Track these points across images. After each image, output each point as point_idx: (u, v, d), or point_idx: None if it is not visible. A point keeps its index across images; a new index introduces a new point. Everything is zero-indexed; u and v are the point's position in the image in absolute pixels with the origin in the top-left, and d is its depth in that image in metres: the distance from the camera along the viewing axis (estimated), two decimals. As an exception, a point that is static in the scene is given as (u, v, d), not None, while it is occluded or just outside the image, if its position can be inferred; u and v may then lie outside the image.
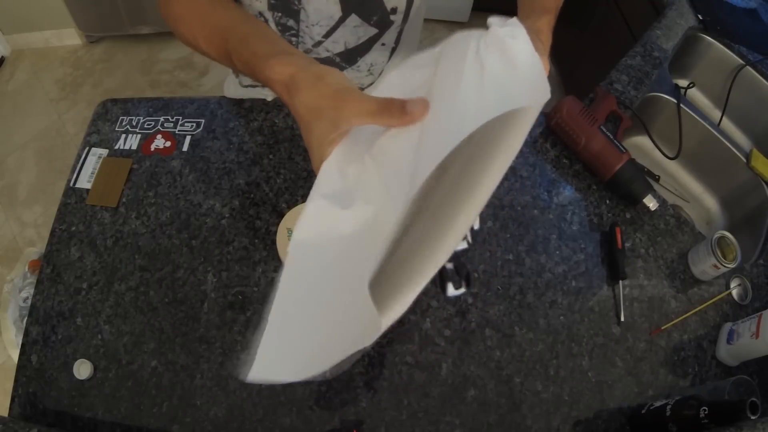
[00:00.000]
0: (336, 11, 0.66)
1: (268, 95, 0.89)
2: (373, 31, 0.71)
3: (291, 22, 0.68)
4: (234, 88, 0.91)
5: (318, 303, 0.36)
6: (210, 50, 0.52)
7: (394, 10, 0.68)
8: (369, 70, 0.78)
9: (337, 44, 0.73)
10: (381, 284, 0.34)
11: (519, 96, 0.34)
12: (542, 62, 0.37)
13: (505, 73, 0.36)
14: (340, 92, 0.37)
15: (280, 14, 0.66)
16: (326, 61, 0.75)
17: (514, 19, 0.41)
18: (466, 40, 0.39)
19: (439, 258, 0.34)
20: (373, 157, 0.37)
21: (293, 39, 0.71)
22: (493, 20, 0.42)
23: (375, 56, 0.75)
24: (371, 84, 0.82)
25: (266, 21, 0.68)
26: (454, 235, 0.34)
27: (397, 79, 0.41)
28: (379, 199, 0.35)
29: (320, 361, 0.35)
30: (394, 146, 0.36)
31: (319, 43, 0.71)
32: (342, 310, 0.35)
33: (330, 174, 0.37)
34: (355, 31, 0.71)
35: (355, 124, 0.37)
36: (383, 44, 0.74)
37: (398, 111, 0.35)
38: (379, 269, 0.34)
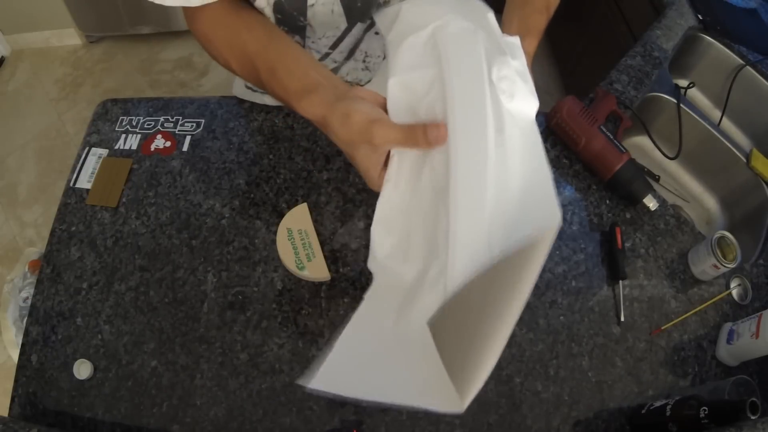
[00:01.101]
0: (342, 22, 0.66)
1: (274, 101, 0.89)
2: (368, 22, 0.71)
3: (297, 38, 0.68)
4: (242, 89, 0.91)
5: (378, 342, 0.40)
6: (244, 76, 0.56)
7: (387, 3, 0.68)
8: (364, 60, 0.78)
9: (342, 54, 0.73)
10: (450, 355, 0.37)
11: (538, 214, 0.37)
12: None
13: (524, 173, 0.39)
14: (368, 125, 0.41)
15: (286, 29, 0.66)
16: (332, 71, 0.75)
17: (517, 43, 0.43)
18: (477, 58, 0.40)
19: (494, 356, 0.36)
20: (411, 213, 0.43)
21: None
22: (493, 21, 0.43)
23: (369, 44, 0.75)
24: (369, 81, 0.81)
25: None
26: (501, 341, 0.36)
27: (399, 91, 0.43)
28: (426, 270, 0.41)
29: (378, 391, 0.37)
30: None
31: (326, 56, 0.71)
32: (406, 359, 0.38)
33: (380, 236, 0.44)
34: (358, 35, 0.71)
35: (387, 148, 0.42)
36: (376, 33, 0.74)
37: (422, 138, 0.39)
38: (443, 339, 0.37)
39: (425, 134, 0.39)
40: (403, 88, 0.43)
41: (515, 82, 0.41)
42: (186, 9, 0.55)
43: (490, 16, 0.45)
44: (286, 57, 0.51)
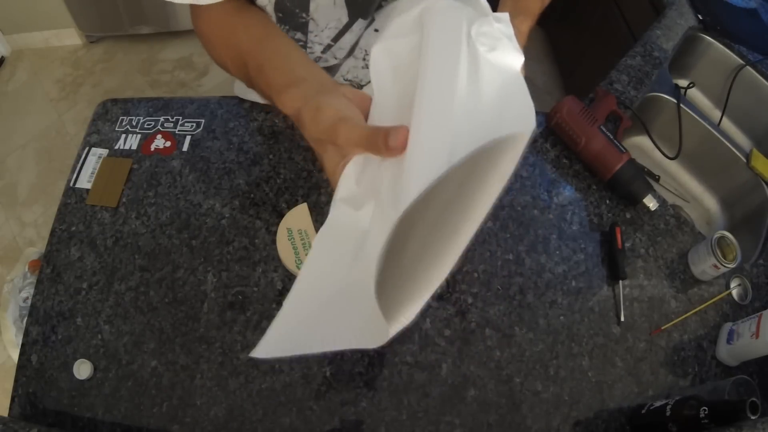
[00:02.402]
0: (343, 15, 0.66)
1: None
2: (369, 19, 0.71)
3: (299, 35, 0.68)
4: (243, 88, 0.91)
5: (330, 292, 0.37)
6: (238, 76, 0.55)
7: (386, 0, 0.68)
8: (364, 59, 0.78)
9: (343, 50, 0.73)
10: (386, 292, 0.34)
11: (512, 119, 0.34)
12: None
13: (498, 87, 0.36)
14: (334, 124, 0.38)
15: (287, 28, 0.66)
16: (333, 69, 0.75)
17: (506, 16, 0.42)
18: (457, 20, 0.39)
19: (441, 273, 0.34)
20: (379, 165, 0.37)
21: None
22: (485, 3, 0.43)
23: (368, 41, 0.75)
24: (369, 82, 0.82)
25: None
26: (453, 254, 0.34)
27: (383, 59, 0.41)
28: (381, 206, 0.35)
29: (320, 343, 0.35)
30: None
31: (328, 47, 0.71)
32: (352, 306, 0.35)
33: (347, 182, 0.38)
34: (359, 32, 0.71)
35: (352, 153, 0.38)
36: (376, 30, 0.74)
37: (382, 144, 0.35)
38: (384, 276, 0.34)
39: (386, 139, 0.35)
40: (387, 53, 0.41)
41: (498, 38, 0.39)
42: (193, 9, 0.56)
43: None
44: (277, 54, 0.50)
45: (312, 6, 0.63)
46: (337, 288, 0.36)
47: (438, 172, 0.30)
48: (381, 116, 0.40)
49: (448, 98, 0.34)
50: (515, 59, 0.39)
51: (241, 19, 0.55)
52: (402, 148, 0.34)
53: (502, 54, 0.38)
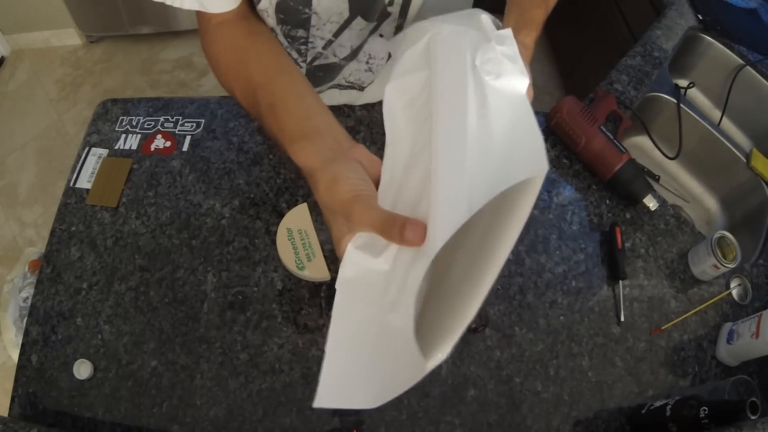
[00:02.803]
0: (344, 9, 0.66)
1: None
2: (373, 23, 0.71)
3: (300, 32, 0.68)
4: None
5: (366, 339, 0.38)
6: (245, 106, 0.53)
7: (391, 2, 0.69)
8: (368, 62, 0.78)
9: (343, 48, 0.73)
10: (422, 332, 0.36)
11: (524, 161, 0.36)
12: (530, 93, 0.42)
13: (508, 120, 0.38)
14: (350, 201, 0.38)
15: (288, 27, 0.67)
16: (331, 66, 0.75)
17: (509, 34, 0.43)
18: (462, 51, 0.40)
19: (472, 310, 0.36)
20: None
21: (302, 48, 0.71)
22: (487, 21, 0.44)
23: (373, 46, 0.75)
24: (371, 82, 0.82)
25: (276, 35, 0.67)
26: (481, 293, 0.35)
27: (396, 99, 0.42)
28: (407, 252, 0.37)
29: (374, 397, 0.36)
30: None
31: (329, 43, 0.71)
32: (390, 349, 0.37)
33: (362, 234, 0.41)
34: (360, 34, 0.71)
35: (364, 231, 0.39)
36: (381, 35, 0.74)
37: (397, 234, 0.36)
38: (419, 318, 0.36)
39: (402, 230, 0.35)
40: (399, 91, 0.42)
41: (501, 63, 0.40)
42: (201, 25, 0.54)
43: (484, 17, 0.45)
44: (290, 94, 0.49)
45: (315, 0, 0.63)
46: (373, 334, 0.38)
47: (460, 222, 0.32)
48: (394, 163, 0.42)
49: (461, 142, 0.36)
50: (520, 82, 0.41)
51: (253, 45, 0.53)
52: (419, 242, 0.35)
53: (508, 80, 0.40)
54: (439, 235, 0.33)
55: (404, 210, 0.39)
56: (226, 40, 0.53)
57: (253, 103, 0.51)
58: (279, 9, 0.61)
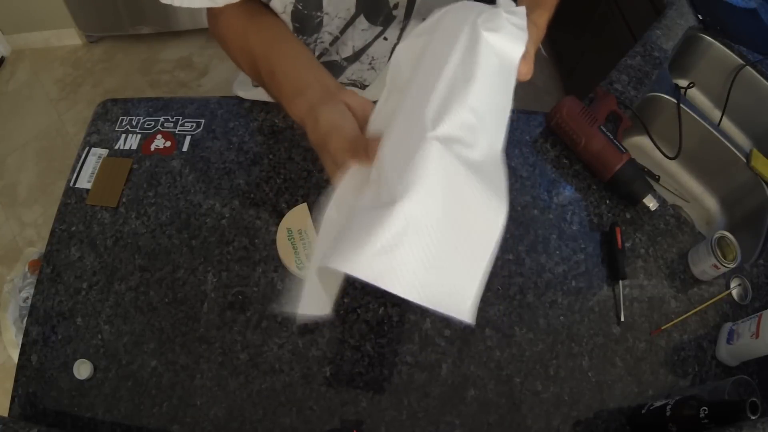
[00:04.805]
0: (352, 5, 0.67)
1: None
2: (378, 29, 0.72)
3: (315, 36, 0.69)
4: (242, 86, 0.91)
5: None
6: (252, 77, 0.58)
7: (396, 6, 0.69)
8: (370, 63, 0.78)
9: (345, 47, 0.73)
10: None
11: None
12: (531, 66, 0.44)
13: (493, 72, 0.39)
14: (328, 131, 0.42)
15: (304, 38, 0.68)
16: (333, 65, 0.76)
17: (522, 10, 0.44)
18: (468, 12, 0.41)
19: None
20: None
21: (312, 45, 0.71)
22: (504, 2, 0.44)
23: (376, 49, 0.75)
24: (374, 80, 0.82)
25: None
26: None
27: (402, 54, 0.45)
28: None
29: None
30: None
31: (335, 40, 0.72)
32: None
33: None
34: (362, 35, 0.71)
35: (343, 160, 0.41)
36: (385, 38, 0.74)
37: (363, 154, 0.39)
38: None
39: (366, 151, 0.39)
40: (406, 51, 0.44)
41: (503, 25, 0.41)
42: (209, 12, 0.58)
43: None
44: (286, 59, 0.52)
45: (325, 1, 0.64)
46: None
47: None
48: (386, 107, 0.44)
49: (438, 72, 0.37)
50: (516, 47, 0.42)
51: (254, 23, 0.56)
52: (371, 155, 0.38)
53: (505, 39, 0.41)
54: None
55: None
56: (231, 22, 0.57)
57: (257, 73, 0.55)
58: (294, 18, 0.62)
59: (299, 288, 0.40)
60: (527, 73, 0.45)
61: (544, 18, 0.54)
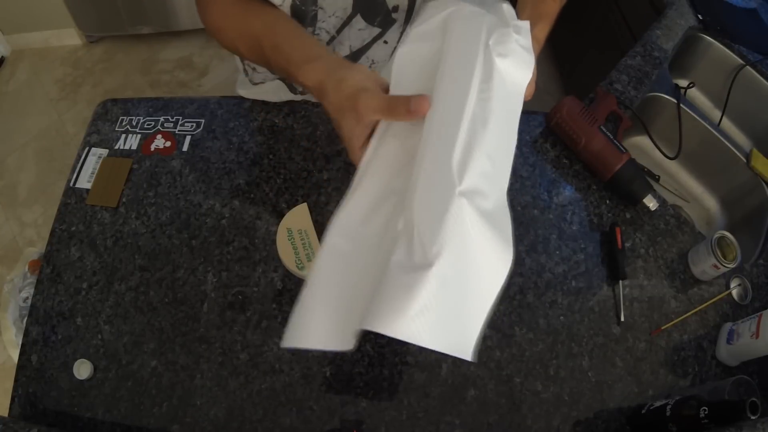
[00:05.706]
0: (348, 5, 0.67)
1: (282, 96, 0.89)
2: (377, 30, 0.72)
3: (309, 30, 0.69)
4: (246, 85, 0.91)
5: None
6: (252, 58, 0.58)
7: (395, 9, 0.69)
8: (370, 66, 0.78)
9: (342, 47, 0.73)
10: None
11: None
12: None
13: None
14: (356, 92, 0.42)
15: (295, 20, 0.68)
16: None
17: (527, 26, 0.44)
18: (478, 29, 0.42)
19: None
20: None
21: None
22: (509, 10, 0.45)
23: (376, 52, 0.76)
24: None
25: None
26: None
27: (408, 59, 0.45)
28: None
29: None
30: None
31: (332, 39, 0.72)
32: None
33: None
34: (359, 34, 0.71)
35: (371, 119, 0.42)
36: (385, 42, 0.74)
37: (403, 108, 0.39)
38: None
39: (407, 104, 0.39)
40: (411, 55, 0.45)
41: (513, 49, 0.43)
42: (200, 2, 0.58)
43: (506, 6, 0.47)
44: (292, 34, 0.53)
45: None
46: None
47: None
48: (383, 139, 0.44)
49: (461, 109, 0.39)
50: (525, 73, 0.44)
51: (251, 7, 0.57)
52: (423, 111, 0.39)
53: (515, 66, 0.43)
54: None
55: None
56: (225, 9, 0.58)
57: (258, 52, 0.55)
58: (292, 13, 0.63)
59: (297, 320, 0.41)
60: (530, 95, 0.47)
61: (545, 32, 0.55)
